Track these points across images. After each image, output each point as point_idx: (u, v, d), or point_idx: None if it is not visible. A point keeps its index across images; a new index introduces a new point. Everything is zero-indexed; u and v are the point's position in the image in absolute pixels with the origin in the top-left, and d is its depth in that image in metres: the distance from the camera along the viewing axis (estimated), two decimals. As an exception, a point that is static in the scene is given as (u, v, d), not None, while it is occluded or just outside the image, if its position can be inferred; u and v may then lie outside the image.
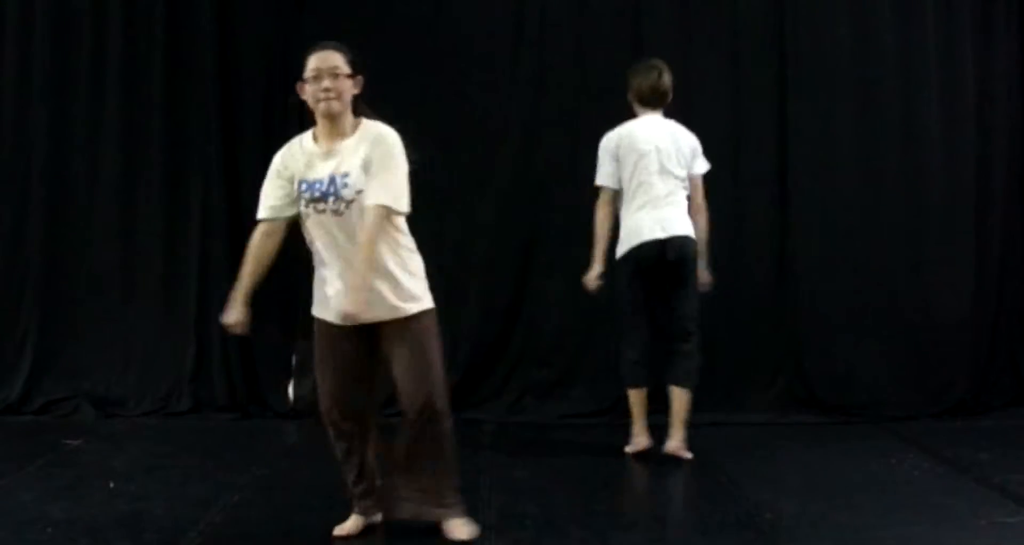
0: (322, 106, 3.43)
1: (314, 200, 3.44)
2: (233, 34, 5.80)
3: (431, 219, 5.60)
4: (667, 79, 4.78)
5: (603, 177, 4.86)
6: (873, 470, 4.59)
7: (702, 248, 4.84)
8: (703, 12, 5.79)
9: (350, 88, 3.47)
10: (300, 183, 3.48)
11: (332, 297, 3.49)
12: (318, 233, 3.48)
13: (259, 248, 3.58)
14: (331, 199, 3.41)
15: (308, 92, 3.46)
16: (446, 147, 5.74)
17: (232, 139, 5.80)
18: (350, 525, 3.68)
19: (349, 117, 3.49)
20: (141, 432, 5.40)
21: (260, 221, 3.58)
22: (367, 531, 3.67)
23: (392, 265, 3.47)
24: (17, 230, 5.82)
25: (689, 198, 4.82)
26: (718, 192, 5.73)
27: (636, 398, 4.82)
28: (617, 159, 4.79)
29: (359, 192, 3.38)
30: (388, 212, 3.38)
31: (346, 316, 3.35)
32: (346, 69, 3.45)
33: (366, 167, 3.41)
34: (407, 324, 3.50)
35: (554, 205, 5.80)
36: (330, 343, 3.57)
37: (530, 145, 5.81)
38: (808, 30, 5.77)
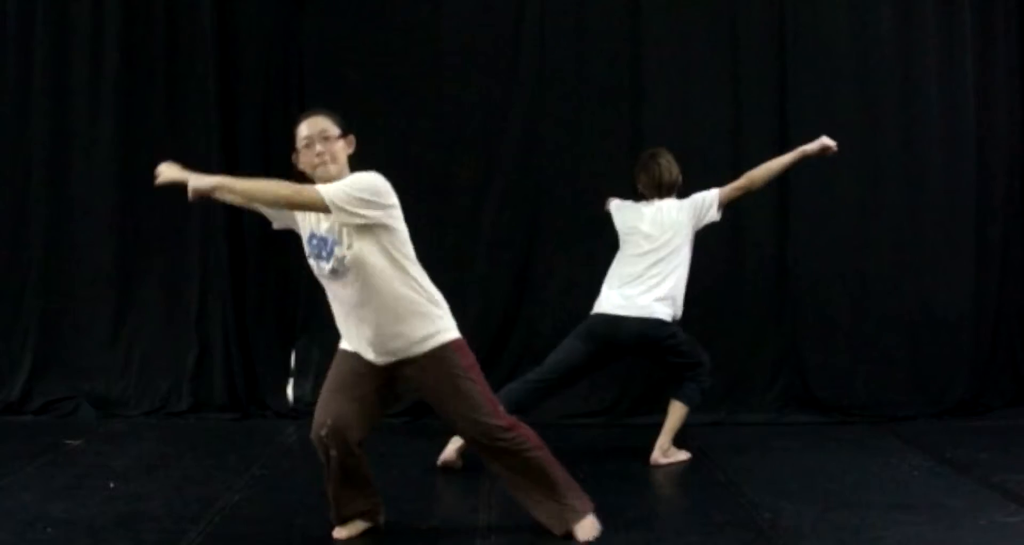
0: (319, 171, 3.44)
1: (315, 256, 3.48)
2: (233, 34, 5.80)
3: (431, 219, 5.62)
4: (668, 172, 4.75)
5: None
6: (873, 470, 4.58)
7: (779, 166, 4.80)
8: (703, 11, 5.78)
9: (343, 149, 3.49)
10: (311, 236, 3.49)
11: (356, 342, 3.53)
12: (328, 292, 3.54)
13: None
14: (325, 257, 3.42)
15: (303, 160, 3.49)
16: (446, 147, 5.75)
17: (232, 139, 5.80)
18: (346, 530, 3.66)
19: (347, 175, 3.47)
20: (141, 432, 5.40)
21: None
22: (367, 532, 3.67)
23: (406, 304, 3.45)
24: (17, 230, 5.83)
25: (743, 189, 4.80)
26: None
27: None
28: (618, 223, 4.87)
29: (350, 247, 3.37)
30: (321, 202, 3.28)
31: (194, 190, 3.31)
32: (335, 131, 3.47)
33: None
34: (431, 363, 3.49)
35: (554, 205, 5.80)
36: (348, 370, 3.56)
37: (530, 145, 5.81)
38: (808, 29, 5.77)
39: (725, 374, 5.59)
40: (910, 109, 5.79)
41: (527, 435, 3.61)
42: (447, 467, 4.55)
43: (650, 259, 4.69)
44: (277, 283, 5.86)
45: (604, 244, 5.63)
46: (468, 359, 3.56)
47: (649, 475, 4.60)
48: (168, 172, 3.52)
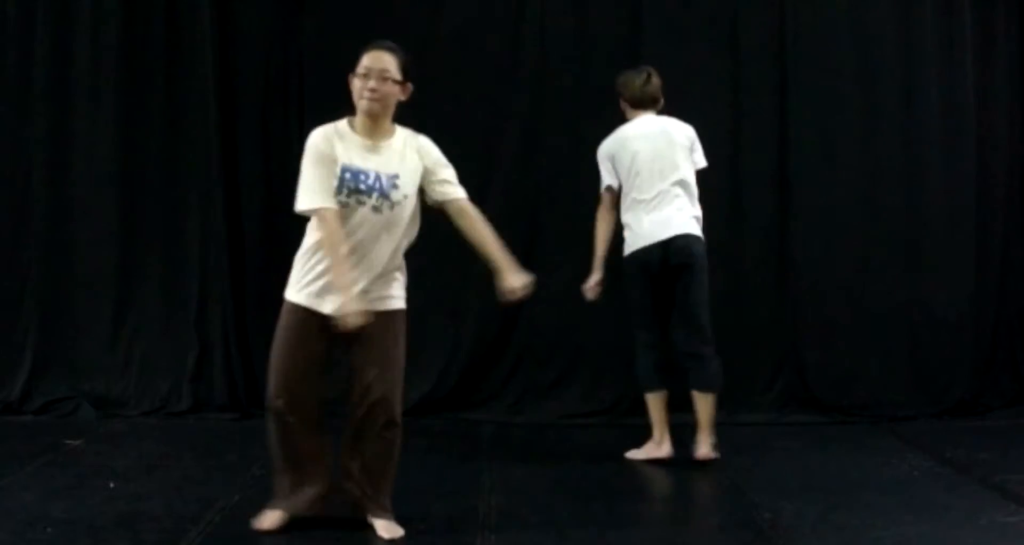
0: (363, 104, 3.48)
1: (357, 191, 3.44)
2: (233, 34, 5.80)
3: (431, 218, 5.61)
4: (655, 81, 4.78)
5: (604, 178, 4.83)
6: (873, 470, 4.59)
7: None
8: (703, 12, 5.78)
9: (396, 93, 3.52)
10: (343, 169, 3.45)
11: (333, 295, 3.46)
12: (345, 223, 3.45)
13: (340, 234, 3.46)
14: (375, 195, 3.45)
15: (355, 87, 3.50)
16: (445, 147, 5.72)
17: (232, 139, 5.80)
18: (271, 519, 3.65)
19: (388, 122, 3.57)
20: (141, 432, 5.40)
21: (323, 209, 3.43)
22: (358, 526, 3.66)
23: (399, 260, 3.60)
24: (17, 230, 5.82)
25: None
26: (718, 192, 5.74)
27: (654, 403, 4.76)
28: (613, 161, 4.78)
29: (406, 197, 3.49)
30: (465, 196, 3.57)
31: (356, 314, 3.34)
32: (396, 75, 3.50)
33: (426, 175, 3.58)
34: (390, 321, 3.56)
35: (554, 205, 5.80)
36: (303, 333, 3.54)
37: (530, 145, 5.81)
38: (808, 30, 5.77)
39: (725, 374, 5.58)
40: (910, 109, 5.79)
41: (400, 434, 3.65)
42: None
43: (672, 178, 4.65)
44: (277, 283, 5.85)
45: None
46: (404, 335, 3.65)
47: (649, 475, 4.60)
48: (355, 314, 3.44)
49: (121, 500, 4.06)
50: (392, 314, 3.58)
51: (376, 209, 3.46)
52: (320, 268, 3.52)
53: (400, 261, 3.61)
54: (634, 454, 4.79)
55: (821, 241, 5.76)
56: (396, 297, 3.61)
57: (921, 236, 5.79)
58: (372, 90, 3.45)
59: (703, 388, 4.66)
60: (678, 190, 4.69)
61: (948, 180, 5.79)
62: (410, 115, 5.61)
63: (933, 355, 5.75)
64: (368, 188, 3.45)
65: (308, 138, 3.53)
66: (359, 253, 3.48)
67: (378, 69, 3.46)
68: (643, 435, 4.81)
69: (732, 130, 5.77)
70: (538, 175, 5.82)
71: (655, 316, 4.74)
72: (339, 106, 5.60)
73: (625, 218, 4.77)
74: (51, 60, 5.78)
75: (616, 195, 4.82)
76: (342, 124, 3.56)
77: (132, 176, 5.80)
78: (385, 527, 3.62)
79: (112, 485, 4.26)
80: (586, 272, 5.69)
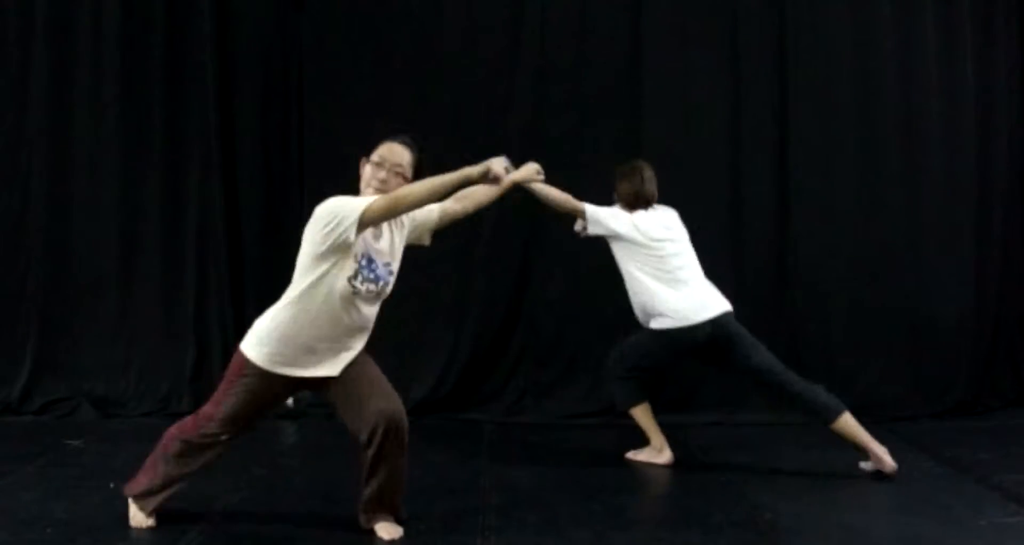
0: (370, 191, 3.54)
1: (368, 280, 3.49)
2: (233, 34, 5.80)
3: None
4: (650, 183, 4.70)
5: (597, 215, 4.74)
6: (873, 470, 4.58)
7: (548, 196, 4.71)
8: (703, 12, 5.78)
9: (401, 185, 3.54)
10: (363, 256, 3.50)
11: (316, 357, 3.53)
12: (337, 305, 3.48)
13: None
14: (380, 283, 3.53)
15: (365, 173, 3.57)
16: (445, 146, 5.73)
17: (231, 140, 5.80)
18: (148, 520, 3.71)
19: None
20: (141, 432, 5.38)
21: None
22: (365, 531, 3.67)
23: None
24: (17, 230, 5.82)
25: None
26: (718, 192, 5.76)
27: (642, 414, 4.76)
28: (619, 234, 4.70)
29: (393, 274, 3.60)
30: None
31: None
32: (408, 171, 3.58)
33: (414, 229, 3.73)
34: (362, 357, 3.63)
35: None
36: (267, 390, 3.57)
37: (531, 145, 5.80)
38: (808, 30, 5.77)
39: (725, 374, 5.59)
40: (910, 109, 5.79)
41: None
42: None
43: (687, 256, 4.68)
44: (276, 283, 5.85)
45: (605, 243, 5.64)
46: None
47: (649, 475, 4.60)
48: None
49: (121, 500, 4.04)
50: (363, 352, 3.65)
51: (377, 295, 3.55)
52: (298, 341, 3.53)
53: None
54: (634, 455, 4.79)
55: (821, 241, 5.76)
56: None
57: (921, 236, 5.79)
58: (382, 181, 3.52)
59: (830, 418, 4.49)
60: (697, 264, 4.75)
61: (948, 180, 5.80)
62: (410, 116, 5.67)
63: (933, 355, 5.75)
64: (376, 278, 3.51)
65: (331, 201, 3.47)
66: (348, 334, 3.54)
67: (392, 163, 3.55)
68: (642, 435, 4.81)
69: (732, 130, 5.77)
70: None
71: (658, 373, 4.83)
72: (338, 106, 5.64)
73: (654, 292, 4.66)
74: (51, 60, 5.78)
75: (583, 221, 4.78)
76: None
77: (132, 176, 5.79)
78: (385, 528, 3.64)
79: (112, 485, 4.25)
80: (586, 273, 5.71)
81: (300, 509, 3.99)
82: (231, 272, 5.78)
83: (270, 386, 3.58)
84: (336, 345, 3.55)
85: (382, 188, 3.50)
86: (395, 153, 3.56)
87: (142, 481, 3.74)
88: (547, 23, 5.79)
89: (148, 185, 5.81)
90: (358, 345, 3.60)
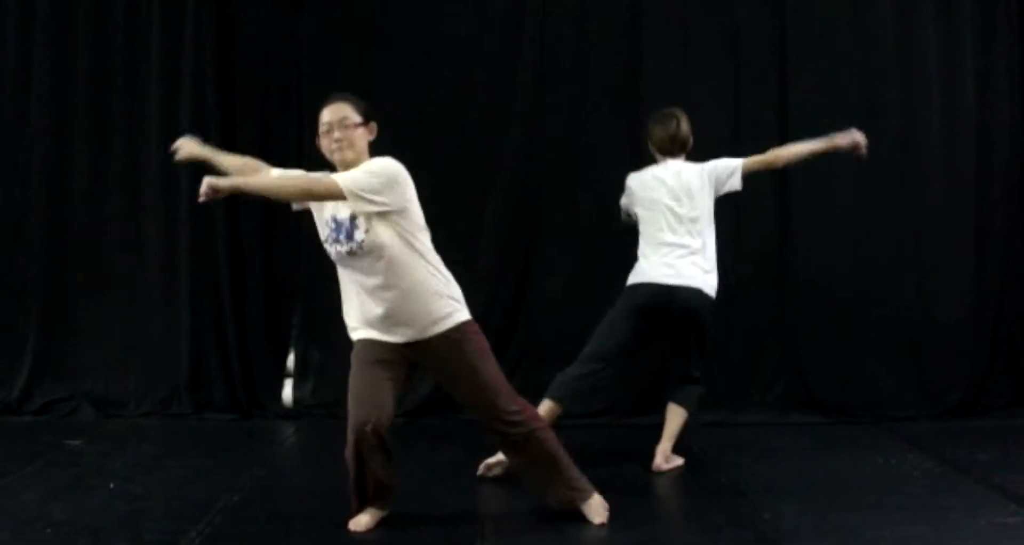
0: (336, 156, 3.60)
1: (332, 240, 3.59)
2: (231, 34, 5.80)
3: (433, 218, 5.60)
4: (685, 127, 4.66)
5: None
6: (873, 470, 4.58)
7: (807, 151, 4.68)
8: (703, 12, 5.78)
9: (362, 136, 3.63)
10: (331, 219, 3.60)
11: (368, 322, 3.62)
12: (341, 272, 3.66)
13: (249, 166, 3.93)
14: (343, 240, 3.54)
15: (323, 145, 3.65)
16: (446, 147, 5.74)
17: (231, 139, 5.78)
18: (366, 519, 3.72)
19: (366, 161, 3.61)
20: (141, 433, 5.40)
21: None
22: (365, 531, 3.67)
23: (424, 287, 3.59)
24: (17, 230, 5.83)
25: (767, 165, 4.70)
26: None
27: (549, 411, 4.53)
28: (632, 196, 4.74)
29: (367, 232, 3.50)
30: (338, 191, 3.44)
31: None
32: (356, 118, 3.61)
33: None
34: (447, 344, 3.63)
35: (554, 205, 5.80)
36: (369, 359, 3.61)
37: (531, 145, 5.81)
38: (808, 30, 5.77)
39: (725, 374, 5.60)
40: (910, 109, 5.79)
41: (536, 416, 3.83)
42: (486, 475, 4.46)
43: (684, 226, 4.56)
44: (277, 284, 5.87)
45: (606, 243, 5.64)
46: (481, 342, 3.70)
47: (649, 476, 4.59)
48: (187, 147, 3.90)
49: (121, 500, 4.06)
50: (447, 336, 3.63)
51: (350, 253, 3.55)
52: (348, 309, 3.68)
53: (429, 286, 3.61)
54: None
55: (821, 241, 5.76)
56: (444, 318, 3.63)
57: (921, 236, 5.79)
58: (338, 140, 3.58)
59: (679, 401, 4.66)
60: (693, 240, 4.60)
61: (948, 180, 5.79)
62: (410, 116, 5.67)
63: (933, 355, 5.75)
64: (336, 235, 3.56)
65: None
66: (371, 297, 3.58)
67: (338, 119, 3.59)
68: (644, 436, 4.81)
69: (732, 130, 5.76)
70: (539, 175, 5.81)
71: (619, 355, 4.63)
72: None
73: (640, 253, 4.69)
74: (50, 60, 5.79)
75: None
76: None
77: (131, 177, 5.80)
78: (594, 510, 3.76)
79: (112, 485, 4.26)
80: (586, 273, 5.70)
81: (300, 509, 3.99)
82: (231, 272, 5.78)
83: (370, 353, 3.60)
84: (368, 313, 3.59)
85: (341, 145, 3.57)
86: (336, 111, 3.61)
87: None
88: (547, 23, 5.79)
89: (147, 184, 5.81)
90: (392, 317, 3.57)
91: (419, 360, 3.69)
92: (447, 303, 3.63)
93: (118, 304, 5.81)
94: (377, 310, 3.57)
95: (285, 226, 5.65)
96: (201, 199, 3.31)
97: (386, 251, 3.51)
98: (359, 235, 3.50)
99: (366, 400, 3.56)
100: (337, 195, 3.44)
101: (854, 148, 4.69)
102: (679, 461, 4.69)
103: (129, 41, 5.77)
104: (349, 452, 3.61)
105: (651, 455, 4.66)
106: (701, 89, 5.74)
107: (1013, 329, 5.91)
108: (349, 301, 3.68)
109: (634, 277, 4.65)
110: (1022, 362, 5.92)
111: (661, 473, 4.58)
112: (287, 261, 5.86)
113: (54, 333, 5.82)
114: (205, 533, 3.67)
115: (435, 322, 3.60)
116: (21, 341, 5.81)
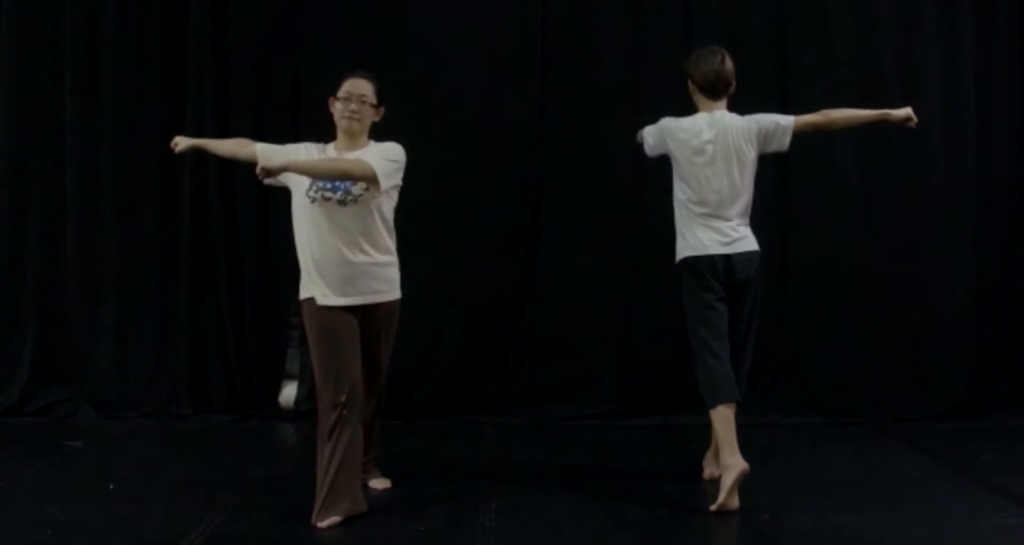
0: (344, 123, 3.95)
1: (325, 188, 3.83)
2: (229, 32, 5.79)
3: (433, 219, 5.62)
4: (730, 64, 4.32)
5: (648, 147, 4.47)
6: (873, 470, 4.59)
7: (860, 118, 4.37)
8: (704, 11, 5.78)
9: (371, 115, 4.00)
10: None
11: (325, 273, 3.84)
12: (317, 223, 3.85)
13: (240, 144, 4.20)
14: (340, 191, 3.83)
15: (336, 109, 3.98)
16: (447, 147, 5.74)
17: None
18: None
19: (365, 138, 4.00)
20: (141, 434, 5.40)
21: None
22: (366, 533, 3.67)
23: (391, 249, 3.99)
24: (17, 231, 5.82)
25: (819, 127, 4.37)
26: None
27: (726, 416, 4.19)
28: (666, 144, 4.37)
29: (366, 189, 3.83)
30: (374, 177, 3.78)
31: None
32: (373, 99, 3.99)
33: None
34: (392, 310, 4.03)
35: (555, 205, 5.80)
36: (330, 322, 3.83)
37: (531, 144, 5.81)
38: (808, 29, 5.77)
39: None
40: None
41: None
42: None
43: (726, 181, 4.21)
44: (275, 284, 5.86)
45: (606, 243, 5.65)
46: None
47: (649, 476, 4.59)
48: (185, 140, 4.21)
49: (122, 501, 4.06)
50: (391, 306, 4.03)
51: (341, 203, 3.82)
52: (307, 270, 3.92)
53: (389, 251, 3.98)
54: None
55: (821, 241, 5.76)
56: (393, 288, 4.02)
57: (921, 236, 5.79)
58: (353, 111, 3.93)
59: None
60: (739, 195, 4.30)
61: (948, 180, 5.79)
62: (410, 117, 5.66)
63: (933, 356, 5.75)
64: (334, 185, 3.84)
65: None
66: (343, 242, 3.83)
67: (358, 94, 3.95)
68: (644, 436, 4.81)
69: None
70: (540, 175, 5.81)
71: (719, 320, 4.24)
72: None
73: (684, 223, 4.31)
74: (48, 61, 5.78)
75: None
76: (329, 146, 4.01)
77: (130, 178, 5.79)
78: (381, 481, 4.29)
79: (112, 486, 4.26)
80: (585, 272, 5.71)
81: (300, 509, 3.98)
82: (229, 273, 5.78)
83: (328, 318, 3.83)
84: (332, 264, 3.82)
85: (354, 117, 3.91)
86: (358, 86, 3.97)
87: None
88: (549, 22, 5.79)
89: (146, 186, 5.81)
90: (356, 269, 3.84)
91: (364, 324, 3.92)
92: (397, 274, 4.02)
93: (118, 306, 5.81)
94: (344, 264, 3.82)
95: (285, 227, 5.64)
96: (259, 176, 3.78)
97: (372, 205, 3.86)
98: (356, 189, 3.83)
99: (339, 368, 3.81)
100: (371, 178, 3.77)
101: (906, 120, 4.30)
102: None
103: (126, 40, 5.76)
104: (325, 426, 3.84)
105: (651, 455, 4.66)
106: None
107: (1013, 329, 5.91)
108: (313, 257, 3.85)
109: (693, 249, 4.22)
110: (1022, 362, 5.92)
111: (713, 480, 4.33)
112: (286, 262, 5.84)
113: (54, 334, 5.81)
114: (205, 533, 3.67)
115: (388, 289, 3.96)
116: (21, 342, 5.81)
